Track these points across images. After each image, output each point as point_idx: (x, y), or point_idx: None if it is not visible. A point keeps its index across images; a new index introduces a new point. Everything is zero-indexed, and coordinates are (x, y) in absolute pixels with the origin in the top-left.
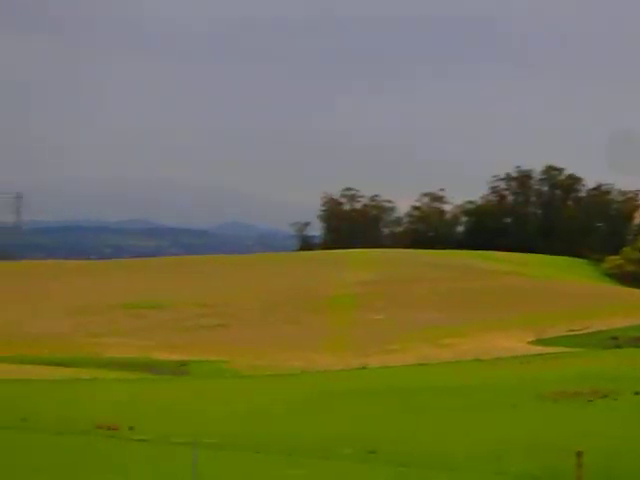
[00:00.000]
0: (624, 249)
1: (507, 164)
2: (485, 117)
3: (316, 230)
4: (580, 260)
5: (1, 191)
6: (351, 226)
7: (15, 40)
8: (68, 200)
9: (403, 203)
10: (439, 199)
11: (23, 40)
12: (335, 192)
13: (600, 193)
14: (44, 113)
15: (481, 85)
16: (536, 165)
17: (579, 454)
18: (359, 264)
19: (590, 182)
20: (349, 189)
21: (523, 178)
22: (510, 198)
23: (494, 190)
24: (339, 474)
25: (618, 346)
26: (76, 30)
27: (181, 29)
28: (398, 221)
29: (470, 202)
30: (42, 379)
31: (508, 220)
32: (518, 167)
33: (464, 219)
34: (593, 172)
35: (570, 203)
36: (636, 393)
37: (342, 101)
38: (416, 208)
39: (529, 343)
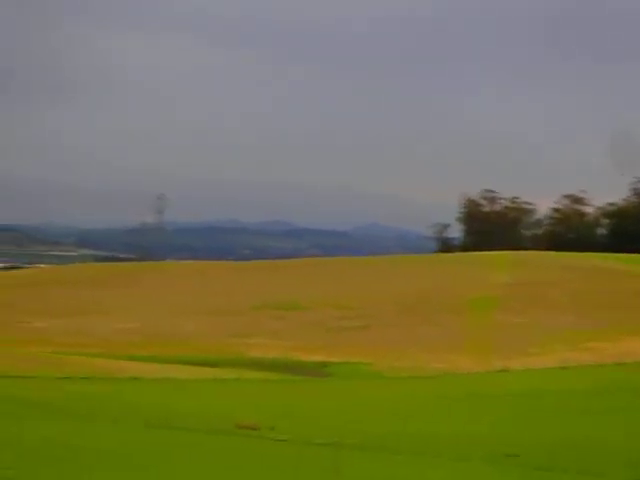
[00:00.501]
0: None
1: None
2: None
3: (455, 232)
4: None
5: (145, 192)
6: (490, 228)
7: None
8: (210, 201)
9: (542, 204)
10: (579, 201)
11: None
12: (474, 193)
13: None
14: (195, 115)
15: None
16: None
17: None
18: (499, 266)
19: None
20: (489, 190)
21: None
22: None
23: (636, 192)
24: (477, 476)
25: None
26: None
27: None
28: (538, 223)
29: (611, 204)
30: (185, 379)
31: None
32: None
33: (605, 221)
34: None
35: None
36: None
37: (474, 101)
38: (556, 210)
39: None
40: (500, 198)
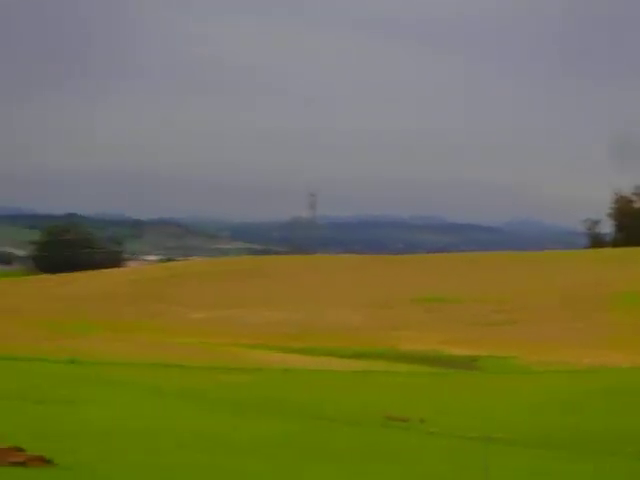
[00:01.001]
0: None
1: None
2: None
3: (606, 227)
4: None
5: (298, 187)
6: None
7: None
8: (363, 196)
9: None
10: None
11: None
12: (626, 190)
13: None
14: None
15: None
16: None
17: None
18: None
19: None
20: None
21: None
22: None
23: None
24: (625, 471)
25: None
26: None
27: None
28: None
29: None
30: (336, 371)
31: None
32: None
33: None
34: None
35: None
36: None
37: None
38: None
39: None
40: None
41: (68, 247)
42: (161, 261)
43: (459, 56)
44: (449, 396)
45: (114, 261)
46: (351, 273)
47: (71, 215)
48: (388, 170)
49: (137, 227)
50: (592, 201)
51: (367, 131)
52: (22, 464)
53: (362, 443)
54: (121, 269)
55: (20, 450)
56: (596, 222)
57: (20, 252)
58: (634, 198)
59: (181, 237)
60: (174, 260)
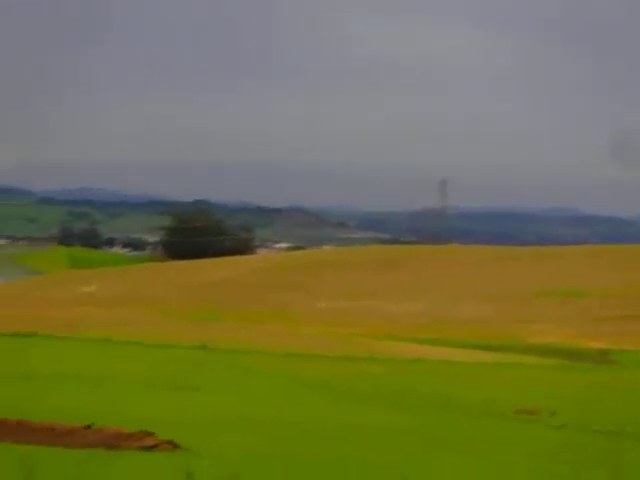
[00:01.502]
0: None
1: None
2: None
3: None
4: None
5: (429, 177)
6: None
7: None
8: (492, 187)
9: None
10: None
11: None
12: None
13: None
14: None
15: None
16: None
17: None
18: None
19: None
20: None
21: None
22: None
23: None
24: None
25: None
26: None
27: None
28: None
29: None
30: (466, 362)
31: None
32: None
33: None
34: None
35: None
36: None
37: None
38: None
39: None
40: None
41: (198, 234)
42: (290, 249)
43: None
44: (580, 389)
45: (244, 248)
46: (481, 265)
47: (200, 202)
48: (521, 160)
49: (267, 215)
50: None
51: (498, 119)
52: (151, 448)
53: (491, 435)
54: (251, 256)
55: (149, 434)
56: None
57: (151, 238)
58: None
59: (311, 225)
60: (304, 248)
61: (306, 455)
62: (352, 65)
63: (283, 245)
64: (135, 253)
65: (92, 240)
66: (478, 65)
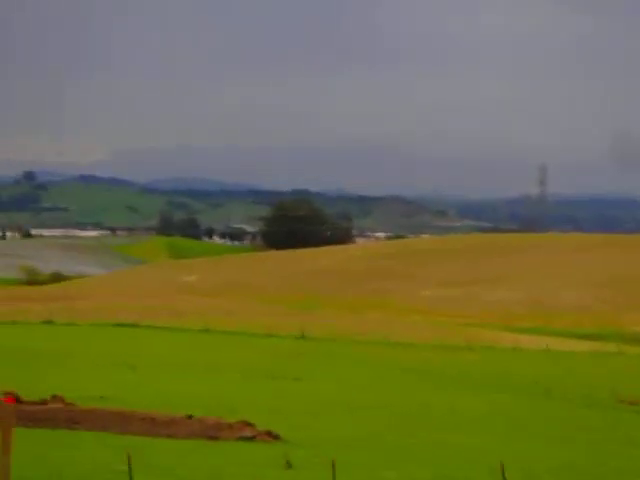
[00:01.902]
0: None
1: None
2: None
3: None
4: None
5: (527, 163)
6: None
7: None
8: (594, 172)
9: None
10: None
11: None
12: None
13: None
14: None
15: None
16: None
17: None
18: None
19: None
20: None
21: None
22: None
23: None
24: None
25: None
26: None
27: None
28: None
29: None
30: (564, 351)
31: None
32: None
33: None
34: None
35: None
36: None
37: None
38: None
39: None
40: None
41: (297, 223)
42: (390, 238)
43: None
44: None
45: (343, 238)
46: (582, 252)
47: (299, 191)
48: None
49: (366, 203)
50: None
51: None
52: (251, 439)
53: (594, 424)
54: (350, 246)
55: (249, 425)
56: None
57: (250, 228)
58: None
59: (409, 214)
60: (403, 237)
61: (405, 441)
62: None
63: (382, 234)
64: (234, 243)
65: (191, 230)
66: (581, 47)
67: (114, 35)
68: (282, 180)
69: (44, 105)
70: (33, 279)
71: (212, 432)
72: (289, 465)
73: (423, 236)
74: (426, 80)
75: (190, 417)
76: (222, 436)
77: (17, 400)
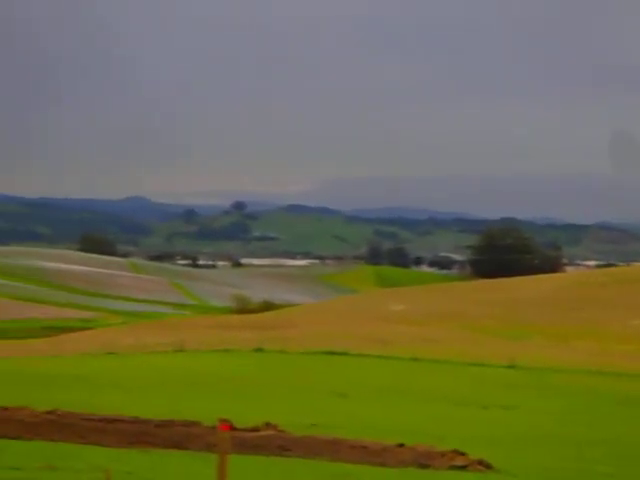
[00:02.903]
0: None
1: None
2: None
3: None
4: None
5: None
6: None
7: None
8: None
9: None
10: None
11: None
12: None
13: None
14: None
15: None
16: None
17: None
18: None
19: None
20: None
21: None
22: None
23: None
24: None
25: None
26: None
27: None
28: None
29: None
30: None
31: None
32: None
33: None
34: None
35: None
36: None
37: None
38: None
39: None
40: None
41: (505, 251)
42: (600, 266)
43: None
44: None
45: (552, 266)
46: None
47: (508, 219)
48: None
49: (575, 232)
50: None
51: None
52: (463, 468)
53: None
54: (559, 274)
55: (461, 454)
56: None
57: (458, 256)
58: None
59: (621, 242)
60: (614, 265)
61: (623, 475)
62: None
63: (592, 262)
64: (442, 272)
65: (399, 259)
66: None
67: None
68: (488, 208)
69: (252, 138)
70: (244, 308)
71: (423, 460)
72: None
73: (635, 264)
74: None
75: (401, 445)
76: (434, 465)
77: (231, 427)
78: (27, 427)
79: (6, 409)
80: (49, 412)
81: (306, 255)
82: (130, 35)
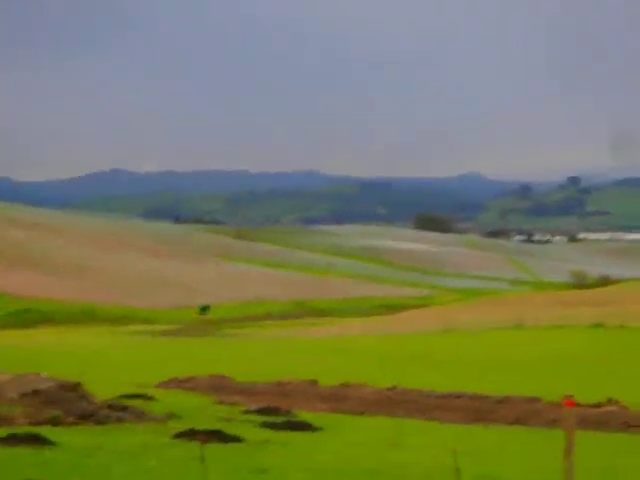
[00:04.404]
0: None
1: None
2: None
3: None
4: None
5: None
6: None
7: None
8: None
9: None
10: None
11: None
12: None
13: None
14: None
15: None
16: None
17: None
18: None
19: None
20: None
21: None
22: None
23: None
24: None
25: None
26: None
27: None
28: None
29: None
30: None
31: None
32: None
33: None
34: None
35: None
36: None
37: None
38: None
39: None
40: None
41: None
42: None
43: None
44: None
45: None
46: None
47: None
48: None
49: None
50: None
51: None
52: None
53: None
54: None
55: None
56: None
57: None
58: None
59: None
60: None
61: None
62: None
63: None
64: None
65: None
66: None
67: None
68: None
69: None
70: (582, 283)
71: None
72: None
73: None
74: None
75: None
76: None
77: (575, 403)
78: (369, 403)
79: (348, 386)
80: (389, 389)
81: None
82: None
